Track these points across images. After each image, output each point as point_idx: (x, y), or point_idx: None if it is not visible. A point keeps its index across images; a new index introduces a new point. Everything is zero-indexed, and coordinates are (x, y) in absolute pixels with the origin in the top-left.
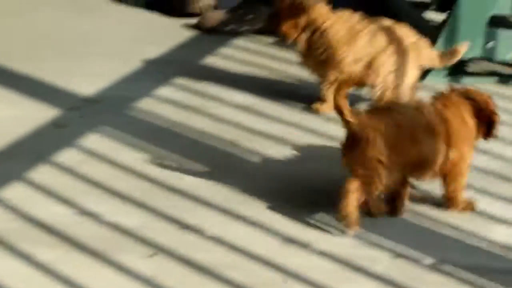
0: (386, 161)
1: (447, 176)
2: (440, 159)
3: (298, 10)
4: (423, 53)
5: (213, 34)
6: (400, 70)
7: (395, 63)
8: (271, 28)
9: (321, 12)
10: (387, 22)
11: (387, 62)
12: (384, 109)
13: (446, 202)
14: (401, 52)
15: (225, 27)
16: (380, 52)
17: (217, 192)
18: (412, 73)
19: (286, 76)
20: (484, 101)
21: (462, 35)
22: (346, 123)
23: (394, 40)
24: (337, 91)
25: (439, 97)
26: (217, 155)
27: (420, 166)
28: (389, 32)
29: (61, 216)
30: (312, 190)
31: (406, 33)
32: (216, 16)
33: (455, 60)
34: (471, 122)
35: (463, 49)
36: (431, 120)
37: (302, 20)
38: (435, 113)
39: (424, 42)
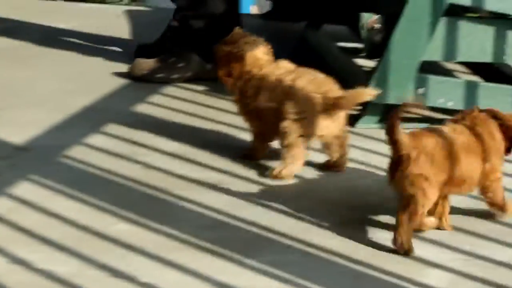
0: (431, 178)
1: (487, 188)
2: (477, 174)
3: (236, 58)
4: (332, 99)
5: (143, 82)
6: (307, 119)
7: (299, 112)
8: (214, 76)
9: (258, 61)
10: (306, 71)
11: (290, 110)
12: (423, 132)
13: (498, 210)
14: (305, 100)
15: (156, 75)
16: (283, 100)
17: (149, 240)
18: (323, 121)
19: (217, 124)
20: (508, 119)
21: (392, 80)
22: (396, 144)
23: (299, 89)
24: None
25: (465, 116)
26: (149, 202)
27: (460, 183)
28: (296, 81)
29: None
30: (246, 237)
31: (322, 82)
32: (147, 64)
33: (359, 101)
34: (498, 136)
35: (368, 94)
36: (467, 138)
37: (239, 69)
38: (468, 131)
39: (334, 87)
